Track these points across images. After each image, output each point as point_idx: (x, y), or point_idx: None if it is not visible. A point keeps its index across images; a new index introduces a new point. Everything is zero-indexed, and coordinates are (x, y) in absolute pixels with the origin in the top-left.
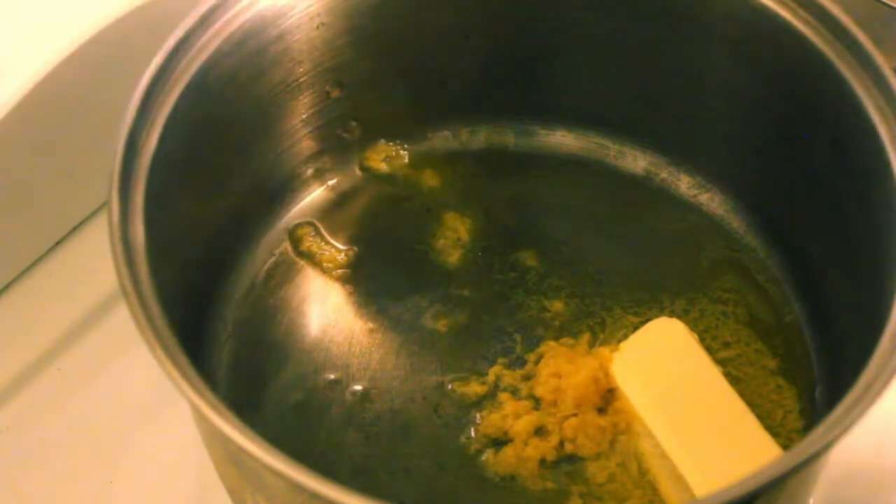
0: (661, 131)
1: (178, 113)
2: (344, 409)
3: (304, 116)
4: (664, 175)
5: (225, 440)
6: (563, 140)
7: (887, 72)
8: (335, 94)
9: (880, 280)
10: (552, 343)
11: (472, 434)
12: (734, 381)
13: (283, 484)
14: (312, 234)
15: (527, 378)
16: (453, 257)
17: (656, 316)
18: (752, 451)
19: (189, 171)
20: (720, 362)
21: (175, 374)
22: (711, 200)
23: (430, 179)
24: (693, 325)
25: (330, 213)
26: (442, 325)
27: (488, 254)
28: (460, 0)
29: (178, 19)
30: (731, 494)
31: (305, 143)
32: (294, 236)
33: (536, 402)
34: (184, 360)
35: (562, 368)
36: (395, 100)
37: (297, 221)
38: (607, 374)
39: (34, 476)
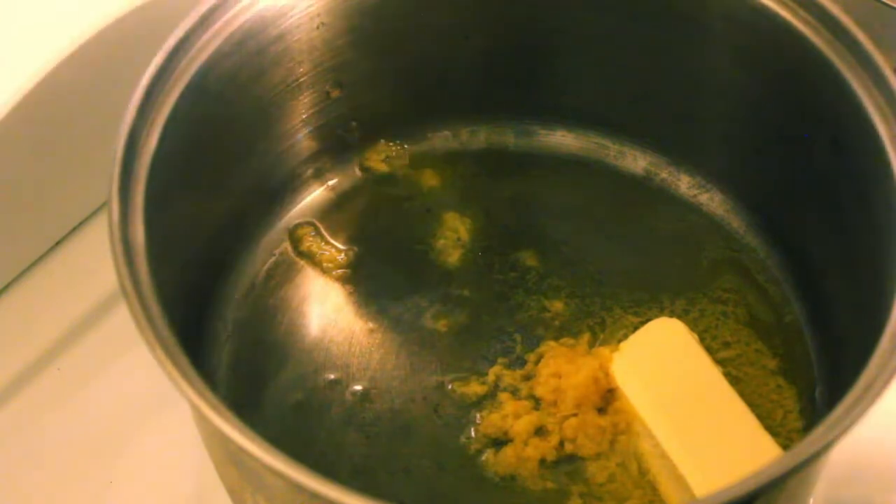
0: (661, 131)
1: (178, 113)
2: (344, 409)
3: (304, 116)
4: (664, 175)
5: (225, 440)
6: (563, 140)
7: (887, 72)
8: (335, 94)
9: (880, 280)
10: (552, 343)
11: (472, 434)
12: (734, 381)
13: (283, 484)
14: (312, 234)
15: (527, 378)
16: (453, 257)
17: (656, 316)
18: (752, 451)
19: (189, 171)
20: (720, 362)
21: (175, 374)
22: (711, 200)
23: (430, 179)
24: (693, 325)
25: (330, 213)
26: (442, 325)
27: (488, 254)
28: (460, 0)
29: (178, 19)
30: (731, 494)
31: (305, 143)
32: (294, 236)
33: (536, 402)
34: (184, 360)
35: (562, 368)
36: (395, 100)
37: (297, 221)
38: (607, 374)
39: (34, 476)
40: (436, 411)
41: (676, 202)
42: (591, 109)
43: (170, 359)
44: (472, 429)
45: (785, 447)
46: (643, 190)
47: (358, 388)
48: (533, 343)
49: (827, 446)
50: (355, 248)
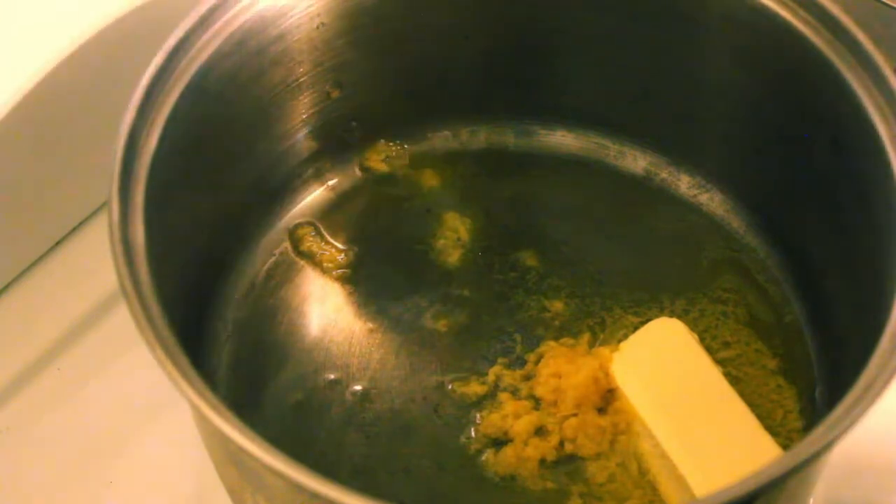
0: (661, 131)
1: (178, 113)
2: (344, 409)
3: (304, 116)
4: (664, 175)
5: (225, 440)
6: (563, 140)
7: (887, 72)
8: (335, 94)
9: (880, 280)
10: (552, 343)
11: (472, 434)
12: (734, 381)
13: (283, 484)
14: (312, 234)
15: (527, 378)
16: (453, 257)
17: (656, 316)
18: (752, 451)
19: (189, 171)
20: (720, 362)
21: (175, 374)
22: (711, 200)
23: (430, 179)
24: (693, 325)
25: (330, 213)
26: (442, 325)
27: (488, 254)
28: (460, 0)
29: (178, 19)
30: (731, 494)
31: (305, 143)
32: (294, 236)
33: (536, 402)
34: (184, 360)
35: (562, 368)
36: (395, 100)
37: (297, 221)
38: (607, 374)
39: (34, 476)
40: (436, 411)
41: (676, 202)
42: (591, 109)
43: (170, 359)
44: (472, 429)
45: (785, 447)
46: (643, 190)
47: (358, 388)
48: (533, 343)
49: (827, 446)
50: (355, 248)
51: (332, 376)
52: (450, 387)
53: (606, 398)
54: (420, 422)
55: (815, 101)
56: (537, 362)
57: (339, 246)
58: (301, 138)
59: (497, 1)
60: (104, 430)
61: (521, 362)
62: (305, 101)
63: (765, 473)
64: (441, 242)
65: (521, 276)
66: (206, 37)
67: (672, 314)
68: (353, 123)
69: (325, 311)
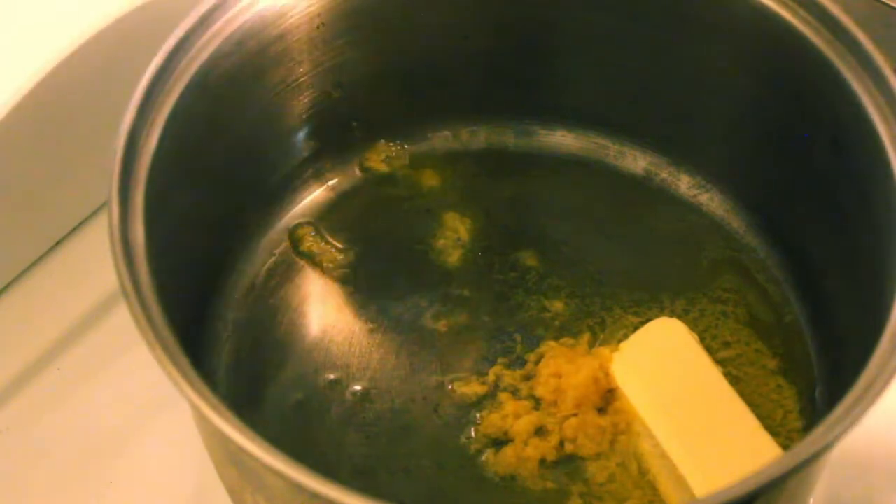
0: (661, 131)
1: (179, 113)
2: (344, 409)
3: (304, 116)
4: (664, 175)
5: (225, 440)
6: (563, 140)
7: (887, 72)
8: (335, 94)
9: (880, 280)
10: (552, 343)
11: (472, 434)
12: (734, 381)
13: (283, 484)
14: (312, 234)
15: (527, 378)
16: (453, 257)
17: (656, 316)
18: (752, 451)
19: (189, 170)
20: (720, 362)
21: (175, 374)
22: (711, 200)
23: (430, 179)
24: (693, 325)
25: (330, 213)
26: (442, 325)
27: (488, 254)
28: (460, 0)
29: (178, 19)
30: (731, 494)
31: (305, 143)
32: (294, 236)
33: (536, 402)
34: (184, 360)
35: (562, 368)
36: (395, 100)
37: (297, 221)
38: (607, 374)
39: (34, 476)
40: (436, 411)
41: (676, 202)
42: (591, 109)
43: (170, 359)
44: (472, 429)
45: (785, 447)
46: (643, 190)
47: (358, 388)
48: (533, 343)
49: (827, 446)
50: (355, 248)
51: (332, 376)
52: (450, 387)
53: (606, 398)
54: (420, 422)
55: (815, 101)
56: (537, 362)
57: (339, 246)
58: (301, 138)
59: (497, 1)
60: (104, 430)
61: (521, 362)
62: (305, 101)
63: (765, 473)
64: (441, 242)
65: (521, 276)
66: (206, 37)
67: (672, 314)
68: (353, 123)
69: (325, 311)
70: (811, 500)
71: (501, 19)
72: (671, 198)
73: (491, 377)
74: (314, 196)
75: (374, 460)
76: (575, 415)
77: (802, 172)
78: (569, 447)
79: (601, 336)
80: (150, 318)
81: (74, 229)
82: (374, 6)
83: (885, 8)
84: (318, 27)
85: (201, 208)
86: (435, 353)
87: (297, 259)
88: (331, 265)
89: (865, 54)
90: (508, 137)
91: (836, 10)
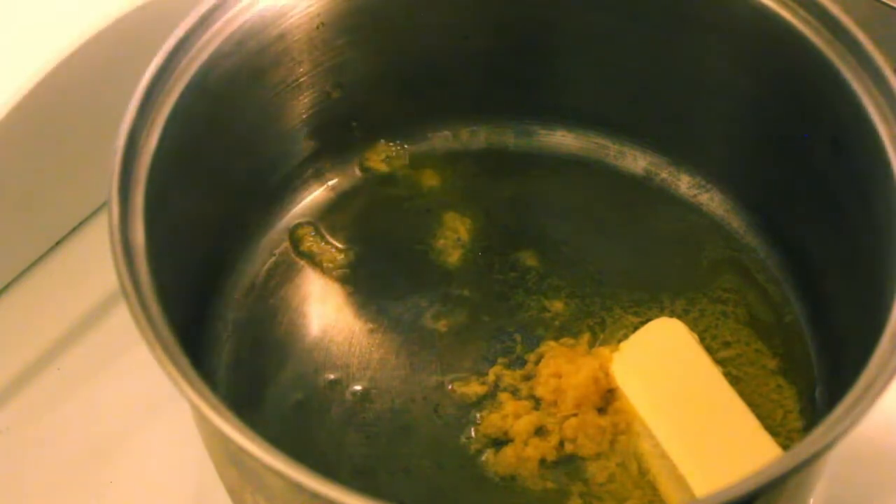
0: (661, 131)
1: (178, 113)
2: (344, 409)
3: (304, 116)
4: (664, 175)
5: (225, 440)
6: (563, 140)
7: (887, 72)
8: (335, 94)
9: (880, 280)
10: (552, 343)
11: (472, 434)
12: (734, 381)
13: (283, 484)
14: (312, 234)
15: (527, 378)
16: (453, 257)
17: (656, 316)
18: (752, 451)
19: (189, 171)
20: (720, 362)
21: (175, 374)
22: (711, 200)
23: (430, 179)
24: (693, 325)
25: (330, 213)
26: (442, 325)
27: (488, 254)
28: (460, 0)
29: (178, 19)
30: (731, 494)
31: (305, 143)
32: (294, 236)
33: (536, 402)
34: (184, 360)
35: (562, 368)
36: (395, 100)
37: (297, 221)
38: (607, 374)
39: (34, 476)
40: (436, 411)
41: (676, 202)
42: (591, 109)
43: (170, 359)
44: (472, 429)
45: (785, 447)
46: (643, 190)
47: (358, 388)
48: (533, 343)
49: (827, 446)
50: (355, 248)
51: (332, 376)
52: (450, 387)
53: (606, 398)
54: (420, 422)
55: (815, 101)
56: (537, 362)
57: (339, 246)
58: (301, 138)
59: (497, 1)
60: (104, 430)
61: (521, 362)
62: (305, 101)
63: (765, 473)
64: (441, 242)
65: (521, 276)
66: (206, 37)
67: (672, 314)
68: (353, 123)
69: (325, 311)
70: (811, 500)
71: (501, 19)
72: (671, 198)
73: (491, 377)
74: (314, 196)
75: (374, 460)
76: (575, 415)
77: (802, 172)
78: (569, 447)
79: (601, 336)
80: (150, 318)
81: (74, 229)
82: (374, 6)
83: (885, 8)
84: (318, 27)
85: (201, 208)
86: (435, 353)
87: (297, 259)
88: (331, 265)
89: (865, 54)
90: (508, 137)
91: (836, 10)
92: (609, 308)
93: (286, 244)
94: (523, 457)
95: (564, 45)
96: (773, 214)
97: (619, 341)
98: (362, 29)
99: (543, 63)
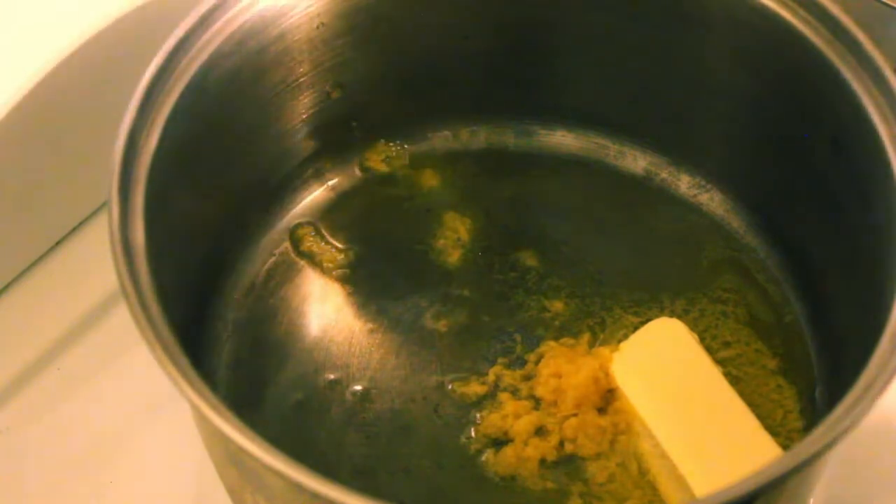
0: (661, 131)
1: (178, 113)
2: (344, 409)
3: (304, 116)
4: (664, 175)
5: (225, 440)
6: (563, 140)
7: (887, 72)
8: (335, 94)
9: (880, 280)
10: (552, 343)
11: (472, 434)
12: (734, 381)
13: (283, 484)
14: (312, 234)
15: (527, 378)
16: (453, 257)
17: (656, 316)
18: (752, 451)
19: (189, 171)
20: (720, 362)
21: (175, 374)
22: (711, 200)
23: (430, 179)
24: (693, 325)
25: (330, 213)
26: (442, 325)
27: (488, 254)
28: (460, 0)
29: (178, 19)
30: (731, 494)
31: (305, 144)
32: (294, 236)
33: (536, 402)
34: (184, 360)
35: (562, 368)
36: (395, 100)
37: (297, 221)
38: (607, 374)
39: (34, 476)
40: (436, 411)
41: (676, 202)
42: (591, 109)
43: (170, 359)
44: (472, 429)
45: (785, 447)
46: (643, 190)
47: (358, 388)
48: (533, 343)
49: (827, 446)
50: (355, 248)
51: (332, 376)
52: (450, 387)
53: (606, 398)
54: (420, 422)
55: (815, 101)
56: (537, 362)
57: (339, 246)
58: (301, 138)
59: (497, 1)
60: (104, 430)
61: (521, 362)
62: (305, 101)
63: (765, 473)
64: (441, 242)
65: (521, 276)
66: (206, 37)
67: (672, 314)
68: (353, 123)
69: (325, 311)
70: (811, 500)
71: (501, 19)
72: (671, 198)
73: (491, 377)
74: (314, 196)
75: (374, 460)
76: (575, 415)
77: (802, 172)
78: (569, 447)
79: (601, 336)
80: (150, 318)
81: (74, 229)
82: (374, 6)
83: (885, 8)
84: (318, 27)
85: (201, 208)
86: (435, 353)
87: (297, 259)
88: (331, 265)
89: (865, 54)
90: (508, 137)
91: (836, 10)
92: (609, 308)
93: (286, 244)
94: (523, 457)
95: (564, 45)
96: (773, 214)
97: (619, 341)
98: (362, 29)
99: (543, 63)
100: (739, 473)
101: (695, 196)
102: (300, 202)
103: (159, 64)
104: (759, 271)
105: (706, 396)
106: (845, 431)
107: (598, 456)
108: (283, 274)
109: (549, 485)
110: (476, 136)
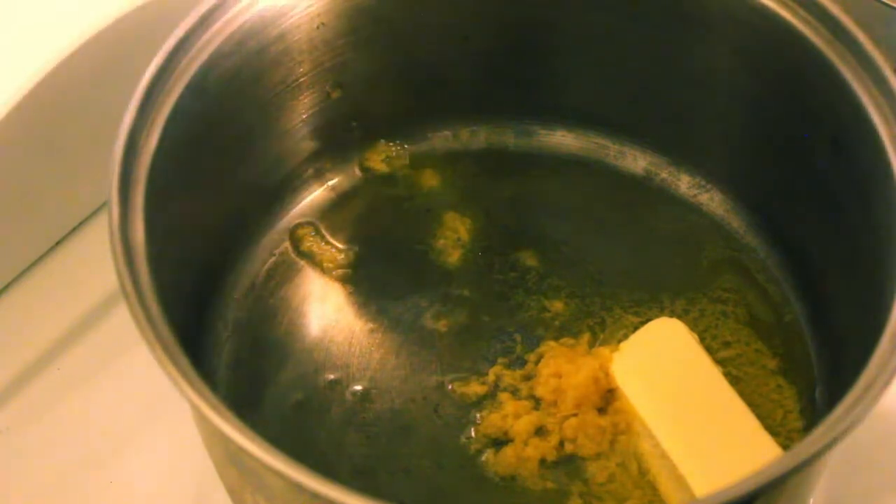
0: (661, 131)
1: (179, 113)
2: (344, 409)
3: (304, 116)
4: (664, 175)
5: (225, 440)
6: (563, 140)
7: (887, 72)
8: (335, 94)
9: (880, 280)
10: (552, 343)
11: (472, 434)
12: (734, 381)
13: (283, 484)
14: (312, 234)
15: (527, 378)
16: (453, 257)
17: (656, 316)
18: (752, 451)
19: (189, 170)
20: (720, 362)
21: (175, 374)
22: (711, 200)
23: (430, 179)
24: (693, 325)
25: (330, 213)
26: (442, 325)
27: (488, 254)
28: (460, 0)
29: (178, 19)
30: (731, 494)
31: (305, 144)
32: (294, 236)
33: (536, 402)
34: (184, 360)
35: (562, 368)
36: (395, 100)
37: (297, 221)
38: (607, 374)
39: (34, 476)
40: (436, 411)
41: (676, 202)
42: (591, 109)
43: (170, 359)
44: (472, 429)
45: (785, 447)
46: (643, 190)
47: (358, 388)
48: (533, 343)
49: (827, 446)
50: (355, 248)
51: (332, 376)
52: (450, 387)
53: (606, 398)
54: (420, 422)
55: (815, 101)
56: (537, 362)
57: (339, 246)
58: (301, 138)
59: (497, 1)
60: (104, 430)
61: (521, 362)
62: (305, 101)
63: (765, 473)
64: (441, 242)
65: (521, 276)
66: (206, 37)
67: (672, 314)
68: (353, 123)
69: (325, 311)
70: (811, 500)
71: (501, 19)
72: (671, 198)
73: (491, 377)
74: (314, 196)
75: (374, 460)
76: (575, 415)
77: (802, 172)
78: (569, 447)
79: (601, 336)
80: (150, 318)
81: (74, 229)
82: (374, 6)
83: (885, 8)
84: (318, 27)
85: (201, 208)
86: (435, 353)
87: (297, 259)
88: (331, 265)
89: (865, 54)
90: (508, 137)
91: (836, 10)
92: (609, 308)
93: (286, 244)
94: (523, 457)
95: (564, 45)
96: (773, 214)
97: (619, 341)
98: (362, 29)
99: (543, 63)
100: (739, 473)
101: (695, 196)
102: (300, 202)
103: (159, 64)
104: (759, 271)
105: (706, 396)
106: (845, 431)
107: (598, 456)
108: (283, 274)
109: (549, 485)
110: (476, 136)
